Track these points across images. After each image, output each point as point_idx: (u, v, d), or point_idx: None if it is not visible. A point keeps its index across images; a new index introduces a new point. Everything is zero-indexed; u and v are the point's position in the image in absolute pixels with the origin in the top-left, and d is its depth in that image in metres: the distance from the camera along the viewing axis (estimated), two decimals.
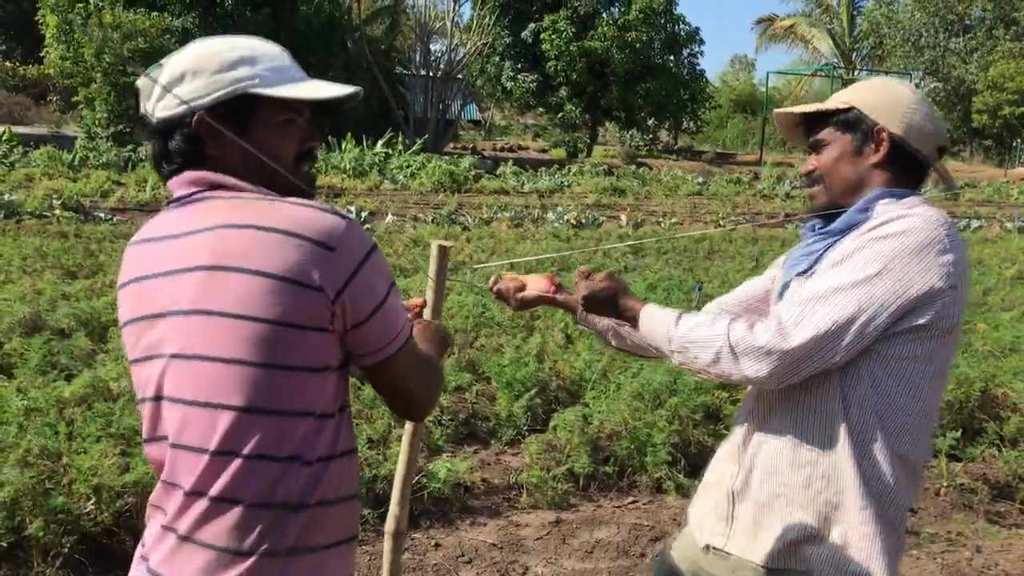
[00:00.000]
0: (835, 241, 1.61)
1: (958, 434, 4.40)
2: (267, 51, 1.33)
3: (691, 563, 1.78)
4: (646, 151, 32.28)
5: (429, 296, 1.84)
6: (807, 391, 1.57)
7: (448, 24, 29.34)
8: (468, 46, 29.00)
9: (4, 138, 18.11)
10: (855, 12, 42.05)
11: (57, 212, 10.86)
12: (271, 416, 1.19)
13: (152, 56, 16.95)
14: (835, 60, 41.54)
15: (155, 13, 20.17)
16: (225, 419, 1.19)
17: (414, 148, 22.38)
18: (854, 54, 42.38)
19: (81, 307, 5.58)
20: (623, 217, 14.13)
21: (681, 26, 31.63)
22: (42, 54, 21.67)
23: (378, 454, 3.84)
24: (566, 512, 3.88)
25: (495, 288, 2.02)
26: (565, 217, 13.15)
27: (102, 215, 11.05)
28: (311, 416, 1.22)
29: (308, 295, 1.18)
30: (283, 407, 1.20)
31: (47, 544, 3.00)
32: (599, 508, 3.95)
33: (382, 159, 20.23)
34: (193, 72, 1.27)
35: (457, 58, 29.23)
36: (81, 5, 19.58)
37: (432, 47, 29.77)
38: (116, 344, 4.91)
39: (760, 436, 1.65)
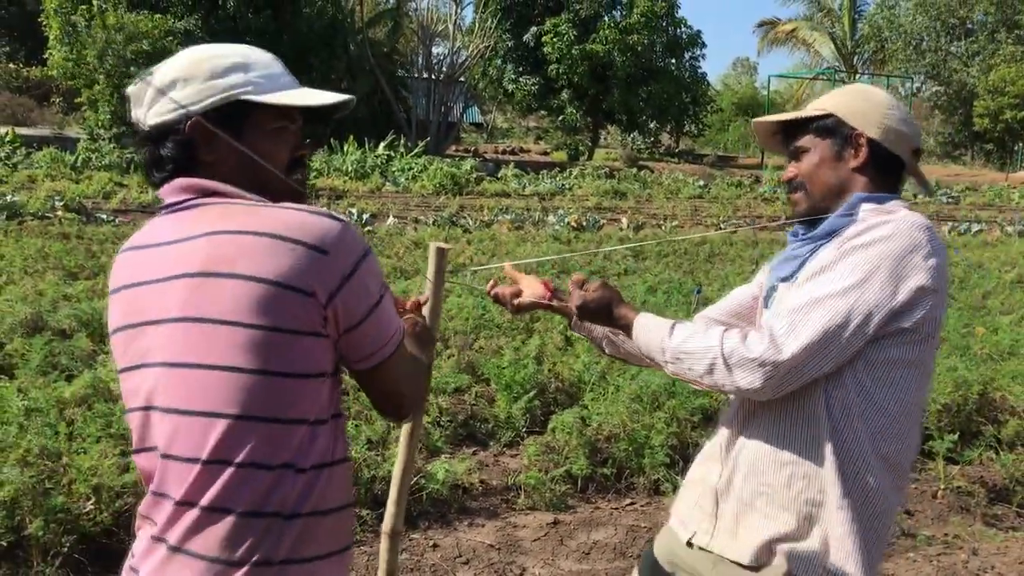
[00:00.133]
0: (819, 246, 1.64)
1: (955, 437, 4.40)
2: (259, 58, 1.32)
3: (675, 558, 1.80)
4: (647, 154, 32.31)
5: (427, 297, 1.85)
6: (791, 392, 1.58)
7: (450, 27, 29.40)
8: (470, 49, 29.05)
9: (7, 139, 18.18)
10: (857, 16, 42.07)
11: (59, 213, 10.89)
12: (266, 424, 1.18)
13: (155, 58, 16.94)
14: (837, 64, 41.56)
15: (158, 15, 20.22)
16: (218, 428, 1.17)
17: (416, 150, 22.42)
18: (856, 58, 42.39)
19: (82, 308, 5.60)
20: (624, 220, 14.14)
21: (683, 29, 31.68)
22: (45, 56, 21.71)
23: (377, 455, 3.85)
24: (564, 513, 3.90)
25: (492, 292, 2.04)
26: (566, 220, 13.16)
27: (104, 217, 11.07)
28: (305, 423, 1.21)
29: (301, 300, 1.17)
30: (278, 414, 1.18)
31: (47, 543, 3.01)
32: (597, 510, 3.97)
33: (384, 161, 20.28)
34: (185, 79, 1.26)
35: (459, 61, 29.28)
36: (84, 7, 19.64)
37: (434, 50, 29.85)
38: None
39: (744, 436, 1.67)
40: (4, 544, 3.00)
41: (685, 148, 36.45)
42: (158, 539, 1.21)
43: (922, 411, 1.65)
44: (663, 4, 29.84)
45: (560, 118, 31.02)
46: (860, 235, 1.55)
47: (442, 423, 4.44)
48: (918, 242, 1.52)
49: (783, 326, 1.51)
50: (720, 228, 13.45)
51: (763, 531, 1.61)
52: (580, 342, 5.51)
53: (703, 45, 32.17)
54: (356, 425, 4.03)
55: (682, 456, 4.22)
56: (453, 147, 30.22)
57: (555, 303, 1.97)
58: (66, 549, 3.04)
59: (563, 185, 19.20)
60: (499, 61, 31.54)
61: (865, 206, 1.62)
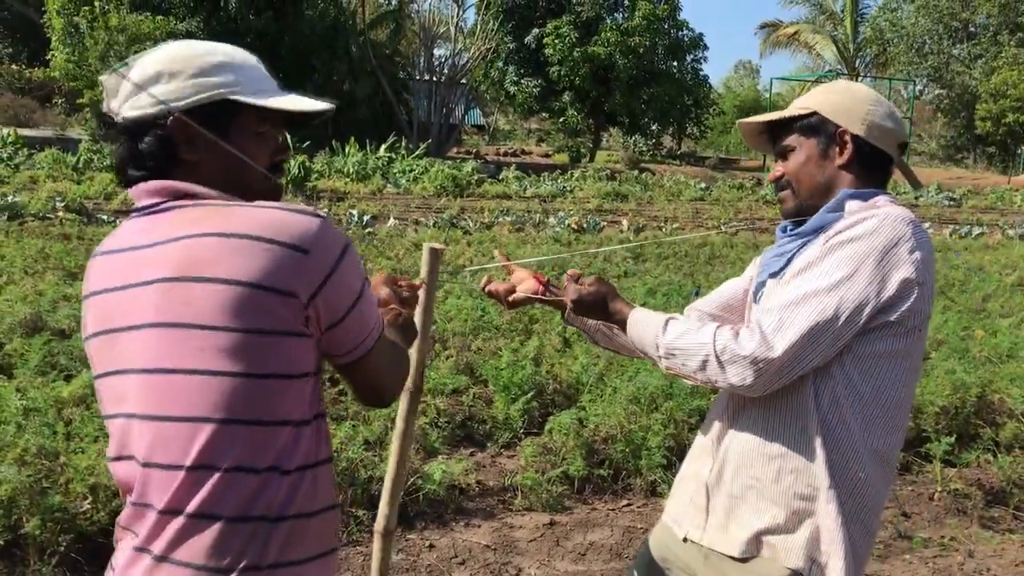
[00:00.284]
0: (806, 242, 1.65)
1: (953, 439, 4.40)
2: (245, 60, 1.31)
3: (670, 553, 1.81)
4: (649, 156, 32.34)
5: (421, 298, 1.86)
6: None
7: (452, 29, 29.46)
8: (472, 51, 29.10)
9: (9, 140, 18.21)
10: (859, 18, 42.05)
11: (60, 214, 10.91)
12: (251, 427, 1.16)
13: None
14: (839, 66, 41.54)
15: (160, 17, 20.30)
16: (203, 433, 1.14)
17: (417, 152, 22.46)
18: (858, 60, 42.37)
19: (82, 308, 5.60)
20: (625, 222, 14.15)
21: (685, 32, 31.72)
22: (48, 57, 21.79)
23: (374, 455, 3.86)
24: (560, 514, 3.90)
25: (487, 288, 2.05)
26: (567, 222, 13.17)
27: (105, 217, 11.09)
28: (289, 424, 1.19)
29: (281, 301, 1.15)
30: (262, 417, 1.17)
31: (44, 542, 3.02)
32: (593, 511, 3.97)
33: (385, 163, 20.32)
34: (170, 73, 1.24)
35: (461, 63, 29.33)
36: (87, 8, 19.70)
37: (436, 52, 29.95)
38: None
39: (733, 430, 1.69)
40: (1, 543, 3.01)
41: (687, 150, 36.47)
42: (141, 550, 1.17)
43: (911, 405, 1.66)
44: (665, 6, 29.87)
45: (562, 120, 31.06)
46: (845, 230, 1.56)
47: (440, 424, 4.45)
48: (902, 235, 1.53)
49: (772, 323, 1.53)
50: (720, 229, 13.45)
51: (753, 524, 1.62)
52: (578, 344, 5.52)
53: (705, 47, 32.22)
54: (354, 426, 4.04)
55: (679, 457, 4.22)
56: (454, 149, 30.27)
57: (548, 296, 1.99)
58: (63, 548, 3.04)
59: (564, 187, 19.21)
60: (501, 63, 31.58)
61: (851, 202, 1.63)
